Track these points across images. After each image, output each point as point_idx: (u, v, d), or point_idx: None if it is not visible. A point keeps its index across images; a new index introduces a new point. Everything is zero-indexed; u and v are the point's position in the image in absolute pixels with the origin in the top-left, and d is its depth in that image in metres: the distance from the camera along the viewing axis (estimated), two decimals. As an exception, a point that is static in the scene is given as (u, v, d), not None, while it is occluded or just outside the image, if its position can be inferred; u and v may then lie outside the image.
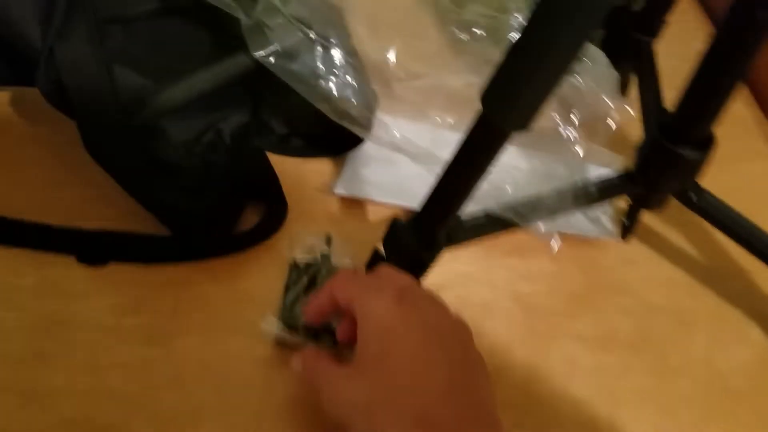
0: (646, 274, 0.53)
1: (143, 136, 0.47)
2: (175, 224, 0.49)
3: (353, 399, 0.35)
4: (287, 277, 0.48)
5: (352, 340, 0.38)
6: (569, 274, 0.52)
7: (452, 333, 0.38)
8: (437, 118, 0.54)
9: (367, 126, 0.53)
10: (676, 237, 0.55)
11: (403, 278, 0.40)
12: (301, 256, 0.49)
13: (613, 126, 0.48)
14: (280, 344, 0.45)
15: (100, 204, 0.50)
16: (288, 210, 0.53)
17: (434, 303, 0.39)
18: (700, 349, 0.49)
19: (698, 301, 0.51)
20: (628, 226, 0.51)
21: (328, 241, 0.50)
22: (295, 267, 0.49)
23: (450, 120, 0.54)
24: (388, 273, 0.40)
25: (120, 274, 0.48)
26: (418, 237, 0.42)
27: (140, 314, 0.47)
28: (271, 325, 0.45)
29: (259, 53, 0.48)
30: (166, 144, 0.49)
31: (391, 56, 0.52)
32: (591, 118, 0.48)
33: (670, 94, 0.54)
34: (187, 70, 0.51)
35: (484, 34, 0.49)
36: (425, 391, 0.34)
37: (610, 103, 0.48)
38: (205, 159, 0.52)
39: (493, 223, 0.43)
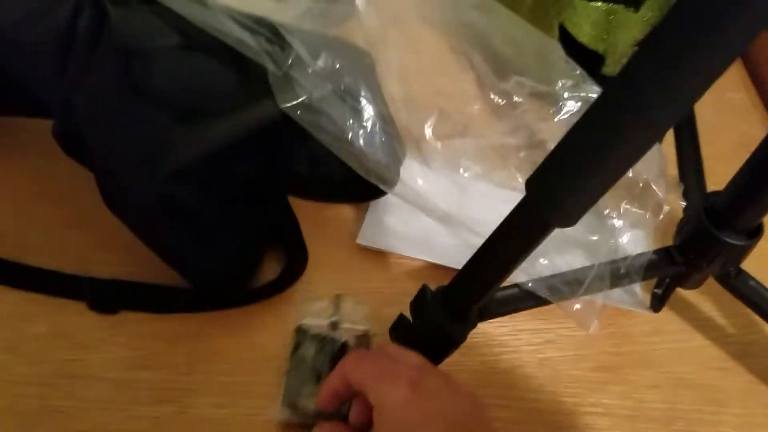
0: (676, 345, 0.51)
1: (163, 187, 0.45)
2: (196, 279, 0.47)
3: None
4: (293, 346, 0.46)
5: (366, 425, 0.37)
6: (597, 342, 0.50)
7: (468, 418, 0.37)
8: (465, 169, 0.52)
9: (393, 181, 0.51)
10: (708, 308, 0.53)
11: (415, 360, 0.38)
12: (308, 322, 0.47)
13: (661, 212, 0.47)
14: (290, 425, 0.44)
15: (114, 248, 0.49)
16: (308, 259, 0.52)
17: (449, 387, 0.37)
18: (728, 428, 0.48)
19: (728, 378, 0.50)
20: (660, 298, 0.49)
21: (337, 304, 0.48)
22: (301, 334, 0.47)
23: (478, 169, 0.52)
24: (400, 354, 0.39)
25: (132, 324, 0.47)
26: (449, 311, 0.40)
27: (152, 369, 0.45)
28: (280, 413, 0.43)
29: (287, 105, 0.46)
30: (184, 192, 0.47)
31: (424, 114, 0.50)
32: (635, 199, 0.46)
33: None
34: (208, 111, 0.49)
35: (525, 103, 0.47)
36: None
37: (657, 190, 0.46)
38: (223, 205, 0.50)
39: (528, 298, 0.41)
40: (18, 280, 0.46)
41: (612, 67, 0.54)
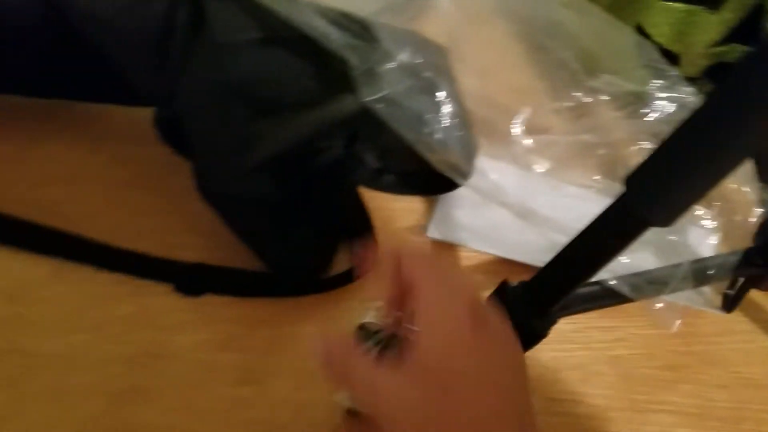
0: (745, 346, 0.51)
1: (244, 180, 0.46)
2: (274, 266, 0.48)
3: (406, 409, 0.32)
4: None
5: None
6: (666, 340, 0.51)
7: (514, 366, 0.35)
8: (542, 165, 0.53)
9: (467, 174, 0.52)
10: (777, 310, 0.53)
11: (476, 291, 0.36)
12: (369, 321, 0.48)
13: (752, 214, 0.47)
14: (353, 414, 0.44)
15: (199, 233, 0.50)
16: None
17: (503, 330, 0.36)
18: (796, 430, 0.48)
19: (797, 380, 0.50)
20: (733, 300, 0.49)
21: None
22: (363, 331, 0.47)
23: (555, 166, 0.53)
24: (463, 282, 0.36)
25: (214, 307, 0.48)
26: (531, 305, 0.41)
27: (234, 351, 0.47)
28: (342, 399, 0.44)
29: (370, 98, 0.47)
30: (262, 184, 0.48)
31: (505, 110, 0.51)
32: (723, 200, 0.47)
33: None
34: (288, 106, 0.50)
35: (613, 102, 0.47)
36: (484, 420, 0.32)
37: (745, 193, 0.46)
38: (297, 197, 0.51)
39: (610, 296, 0.42)
40: (108, 262, 0.48)
41: (687, 68, 0.54)
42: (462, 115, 0.52)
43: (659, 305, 0.45)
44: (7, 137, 0.52)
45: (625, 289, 0.41)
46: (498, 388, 0.33)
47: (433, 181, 0.55)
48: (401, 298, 0.36)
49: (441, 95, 0.50)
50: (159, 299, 0.48)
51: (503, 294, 0.43)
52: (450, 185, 0.54)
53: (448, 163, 0.50)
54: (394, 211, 0.56)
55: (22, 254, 0.48)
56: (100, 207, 0.50)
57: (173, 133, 0.44)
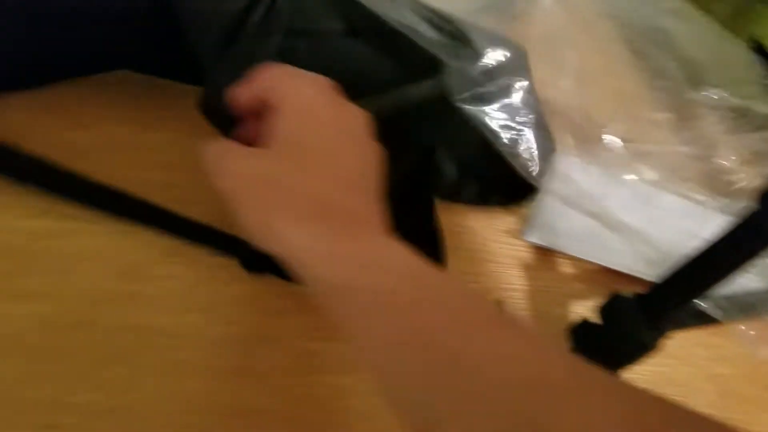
0: None
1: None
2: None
3: (257, 183, 0.34)
4: None
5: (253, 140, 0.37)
6: (768, 362, 0.49)
7: (369, 155, 0.37)
8: (633, 172, 0.52)
9: (542, 175, 0.51)
10: None
11: (333, 88, 0.38)
12: None
13: None
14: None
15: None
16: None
17: (361, 124, 0.38)
18: None
19: None
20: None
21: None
22: None
23: (640, 174, 0.52)
24: (322, 78, 0.38)
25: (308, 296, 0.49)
26: (644, 317, 0.40)
27: (333, 341, 0.48)
28: None
29: (458, 96, 0.47)
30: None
31: (600, 114, 0.50)
32: None
33: None
34: (363, 96, 0.50)
35: (715, 115, 0.46)
36: (333, 181, 0.34)
37: None
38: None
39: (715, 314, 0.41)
40: (218, 245, 0.49)
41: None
42: (541, 117, 0.51)
43: (752, 329, 0.44)
44: (122, 121, 0.54)
45: (717, 312, 0.41)
46: (352, 171, 0.35)
47: (511, 189, 0.53)
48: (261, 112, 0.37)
49: (523, 96, 0.49)
50: (263, 284, 0.49)
51: (617, 305, 0.42)
52: (527, 192, 0.53)
53: (525, 165, 0.50)
54: (491, 212, 0.56)
55: (135, 234, 0.50)
56: (207, 193, 0.51)
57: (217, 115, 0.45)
